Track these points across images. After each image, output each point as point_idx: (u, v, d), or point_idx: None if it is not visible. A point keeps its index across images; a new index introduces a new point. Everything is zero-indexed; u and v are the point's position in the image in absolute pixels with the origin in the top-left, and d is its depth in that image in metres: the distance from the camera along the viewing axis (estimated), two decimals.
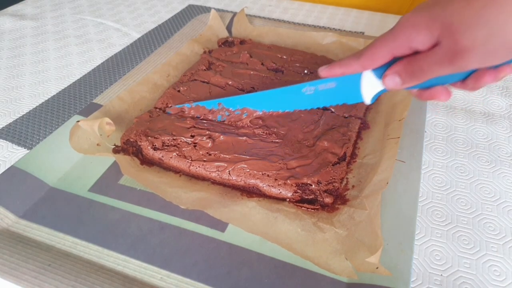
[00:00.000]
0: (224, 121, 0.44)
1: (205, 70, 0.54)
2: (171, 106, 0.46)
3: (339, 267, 0.31)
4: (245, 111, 0.43)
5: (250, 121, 0.44)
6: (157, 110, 0.47)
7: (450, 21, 0.27)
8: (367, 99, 0.35)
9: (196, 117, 0.45)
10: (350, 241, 0.33)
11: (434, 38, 0.28)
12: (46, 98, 0.53)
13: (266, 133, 0.43)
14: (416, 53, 0.30)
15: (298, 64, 0.54)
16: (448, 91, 0.32)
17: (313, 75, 0.53)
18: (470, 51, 0.26)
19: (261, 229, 0.34)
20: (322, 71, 0.35)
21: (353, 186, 0.38)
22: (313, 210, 0.36)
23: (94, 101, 0.48)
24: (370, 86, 0.34)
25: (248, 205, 0.36)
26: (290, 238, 0.33)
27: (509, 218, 0.37)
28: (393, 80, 0.31)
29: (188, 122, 0.44)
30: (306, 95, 0.38)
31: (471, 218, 0.37)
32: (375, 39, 0.32)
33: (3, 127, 0.48)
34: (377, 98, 0.36)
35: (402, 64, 0.31)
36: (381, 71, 0.33)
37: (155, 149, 0.41)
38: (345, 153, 0.41)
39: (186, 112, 0.45)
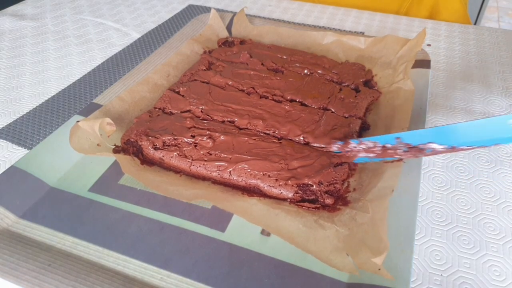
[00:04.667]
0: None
1: (205, 70, 0.54)
2: (337, 145, 0.40)
3: (340, 262, 0.31)
4: (429, 147, 0.35)
5: (249, 122, 0.44)
6: (157, 110, 0.47)
7: None
8: None
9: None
10: (352, 240, 0.33)
11: None
12: (46, 98, 0.53)
13: (267, 134, 0.43)
14: None
15: (298, 64, 0.54)
16: None
17: (313, 76, 0.53)
18: None
19: (263, 222, 0.34)
20: None
21: (354, 189, 0.38)
22: (314, 209, 0.36)
23: (94, 101, 0.48)
24: None
25: (249, 202, 0.36)
26: (292, 232, 0.33)
27: (509, 218, 0.37)
28: None
29: (188, 122, 0.43)
30: None
31: (471, 218, 0.37)
32: None
33: (3, 127, 0.48)
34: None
35: None
36: None
37: (155, 149, 0.41)
38: None
39: (352, 149, 0.40)
